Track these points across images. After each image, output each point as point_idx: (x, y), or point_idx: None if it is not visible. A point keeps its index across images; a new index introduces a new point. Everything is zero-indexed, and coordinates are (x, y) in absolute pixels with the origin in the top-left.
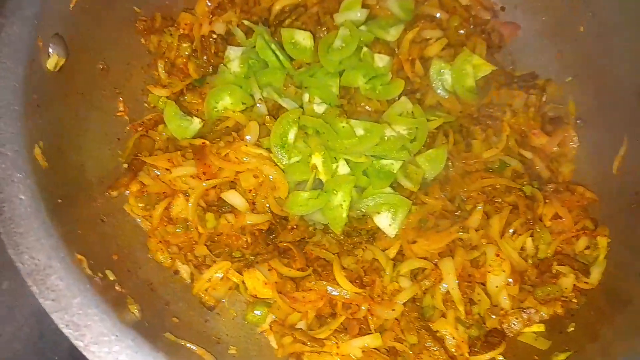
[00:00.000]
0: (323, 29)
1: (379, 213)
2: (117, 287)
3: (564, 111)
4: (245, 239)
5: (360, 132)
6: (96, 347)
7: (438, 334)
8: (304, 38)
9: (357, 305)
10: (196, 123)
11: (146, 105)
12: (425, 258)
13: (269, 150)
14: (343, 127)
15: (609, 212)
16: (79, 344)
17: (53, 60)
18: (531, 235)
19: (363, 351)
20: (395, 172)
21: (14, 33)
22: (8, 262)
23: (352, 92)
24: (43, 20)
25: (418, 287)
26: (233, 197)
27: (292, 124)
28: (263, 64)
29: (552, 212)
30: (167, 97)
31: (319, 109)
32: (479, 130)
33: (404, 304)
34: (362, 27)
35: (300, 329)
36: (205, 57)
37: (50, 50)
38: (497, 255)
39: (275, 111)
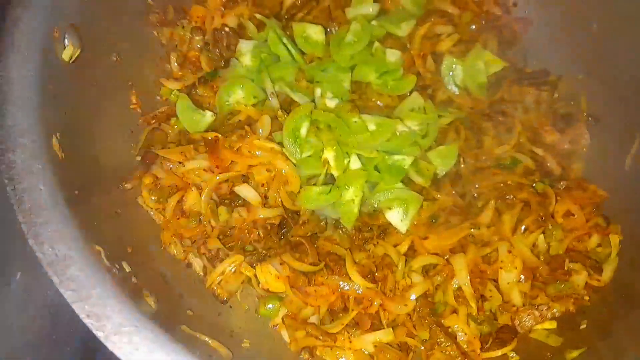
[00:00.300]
0: (334, 23)
1: (390, 208)
2: (133, 279)
3: (575, 108)
4: (257, 233)
5: (372, 127)
6: (117, 338)
7: (450, 330)
8: (315, 32)
9: (369, 300)
10: (208, 116)
11: (158, 98)
12: (436, 254)
13: (281, 144)
14: (355, 122)
15: (620, 210)
16: (99, 334)
17: (68, 51)
18: (543, 232)
19: (375, 346)
20: (406, 167)
21: (31, 23)
22: (20, 253)
23: (363, 87)
24: (59, 11)
25: (430, 283)
26: (246, 191)
27: (304, 119)
28: (275, 58)
29: (564, 209)
30: (179, 90)
31: (331, 103)
32: (491, 126)
33: (416, 300)
34: (374, 22)
35: (313, 323)
36: (217, 51)
37: (66, 41)
38: (509, 252)
39: (287, 105)
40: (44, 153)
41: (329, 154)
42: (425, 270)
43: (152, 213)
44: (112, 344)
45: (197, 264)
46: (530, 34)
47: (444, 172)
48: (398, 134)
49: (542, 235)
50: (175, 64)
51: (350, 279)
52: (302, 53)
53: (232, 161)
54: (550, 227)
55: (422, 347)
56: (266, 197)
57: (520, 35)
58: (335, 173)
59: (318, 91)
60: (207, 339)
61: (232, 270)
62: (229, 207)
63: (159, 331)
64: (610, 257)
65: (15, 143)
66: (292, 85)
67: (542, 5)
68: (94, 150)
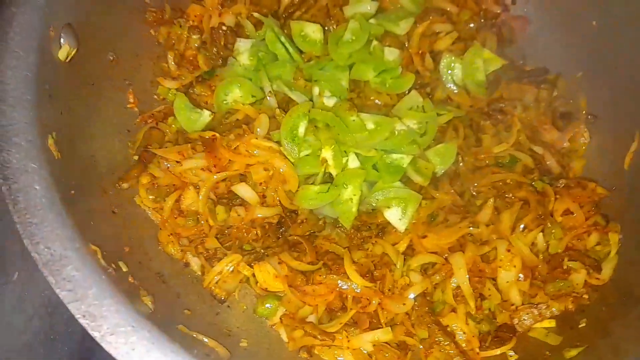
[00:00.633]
0: (332, 21)
1: (389, 207)
2: (130, 279)
3: (574, 106)
4: (255, 232)
5: (370, 125)
6: (113, 338)
7: (448, 329)
8: (313, 31)
9: (367, 299)
10: (206, 115)
11: (156, 97)
12: (435, 253)
13: (279, 143)
14: (353, 120)
15: (620, 208)
16: (95, 334)
17: (64, 50)
18: (542, 231)
19: (374, 345)
20: (405, 166)
21: (26, 22)
22: (18, 253)
23: (361, 85)
24: (55, 10)
25: (428, 282)
26: (243, 190)
27: (302, 117)
28: (273, 57)
29: (563, 208)
30: (176, 89)
31: (329, 102)
32: (490, 125)
33: (415, 299)
34: (372, 20)
35: (311, 322)
36: (214, 49)
37: (62, 40)
38: (508, 251)
39: (285, 104)
40: (40, 153)
41: (327, 153)
42: (424, 269)
43: (149, 212)
44: (108, 344)
45: (195, 263)
46: (529, 32)
47: (442, 171)
48: (396, 132)
49: (541, 234)
50: (173, 63)
51: (348, 278)
52: (300, 52)
53: (229, 160)
54: (550, 225)
55: (421, 346)
56: (264, 196)
57: (519, 33)
58: (333, 172)
59: (316, 90)
60: (204, 338)
61: (230, 269)
62: (226, 207)
63: (156, 331)
64: (609, 255)
65: (10, 142)
66: (290, 84)
67: (540, 3)
68: (91, 149)
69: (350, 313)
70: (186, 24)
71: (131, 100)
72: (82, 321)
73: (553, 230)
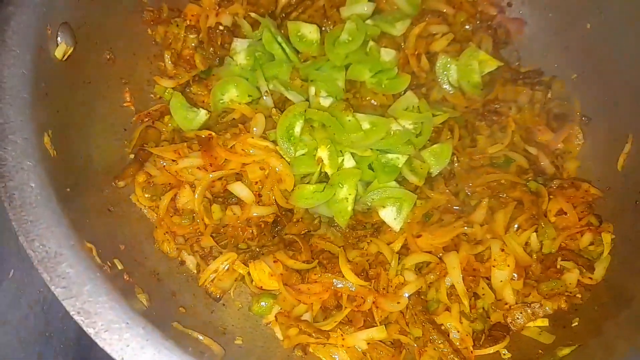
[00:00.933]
0: (329, 22)
1: (384, 207)
2: (125, 277)
3: (569, 108)
4: (251, 231)
5: (366, 126)
6: (107, 334)
7: (442, 328)
8: (310, 31)
9: (362, 297)
10: (202, 115)
11: (152, 96)
12: (429, 252)
13: (275, 142)
14: (349, 120)
15: (613, 209)
16: (90, 331)
17: (61, 49)
18: (536, 231)
19: (368, 343)
20: (400, 166)
21: (23, 21)
22: (15, 251)
23: (358, 86)
24: (52, 9)
25: (423, 281)
26: (239, 189)
27: (298, 117)
28: (269, 57)
29: (556, 208)
30: (173, 88)
31: (325, 102)
32: (484, 125)
33: (409, 297)
34: (369, 21)
35: (306, 320)
36: (211, 49)
37: (59, 39)
38: (502, 250)
39: (281, 104)
40: (36, 151)
41: (322, 153)
42: (419, 268)
43: (145, 211)
44: (103, 340)
45: (191, 261)
46: (524, 34)
47: (438, 171)
48: (392, 132)
49: (534, 234)
50: (169, 62)
51: (343, 276)
52: (297, 52)
53: (225, 159)
54: (543, 225)
55: (415, 345)
56: (260, 195)
57: (515, 35)
58: (329, 171)
59: (312, 90)
60: (199, 335)
61: (226, 268)
62: (222, 205)
63: (150, 328)
64: (602, 255)
65: (5, 140)
66: (287, 84)
67: (536, 6)
68: (87, 147)
69: (345, 311)
70: (183, 24)
71: (128, 99)
72: (76, 318)
73: (547, 230)
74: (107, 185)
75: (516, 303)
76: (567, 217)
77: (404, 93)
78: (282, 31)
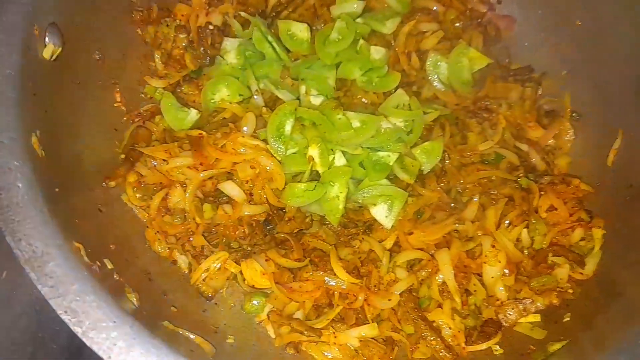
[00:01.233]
0: (320, 21)
1: (375, 205)
2: (115, 276)
3: (559, 104)
4: (242, 230)
5: (356, 124)
6: (94, 333)
7: (434, 324)
8: (300, 30)
9: (354, 295)
10: (193, 114)
11: (143, 96)
12: (421, 249)
13: (265, 141)
14: (339, 119)
15: (604, 204)
16: (77, 329)
17: (49, 49)
18: (526, 227)
19: (360, 341)
20: (391, 164)
21: (10, 21)
22: (6, 252)
23: (348, 84)
24: (39, 9)
25: (414, 278)
26: (230, 188)
27: (288, 116)
28: (260, 56)
29: (547, 204)
30: (163, 88)
31: (316, 100)
32: (475, 123)
33: (401, 295)
34: (359, 20)
35: (298, 318)
36: (202, 49)
37: (47, 39)
38: (493, 247)
39: (272, 103)
40: (23, 151)
41: (313, 151)
42: (410, 265)
43: (136, 210)
44: (90, 339)
45: (182, 261)
46: (514, 31)
47: (429, 168)
48: (382, 130)
49: (525, 230)
50: (160, 62)
51: (335, 274)
52: (287, 51)
53: (216, 158)
54: (534, 221)
55: (407, 342)
56: (251, 194)
57: (505, 33)
58: (320, 170)
59: (303, 88)
60: (189, 334)
61: (217, 267)
62: (213, 204)
63: (137, 327)
64: (593, 251)
65: None
66: (277, 82)
67: (526, 3)
68: (77, 148)
69: (337, 309)
70: (173, 24)
71: (118, 99)
72: (63, 317)
73: (537, 226)
74: (97, 185)
75: (508, 299)
76: (558, 212)
77: (395, 91)
78: (273, 30)
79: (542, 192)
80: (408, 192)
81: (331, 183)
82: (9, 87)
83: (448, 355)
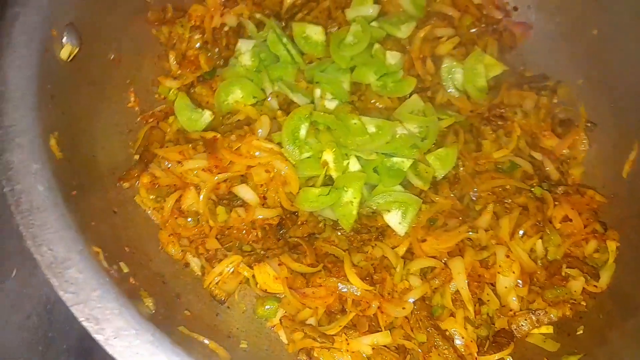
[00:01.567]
0: (334, 23)
1: (389, 211)
2: (131, 280)
3: (574, 113)
4: (255, 233)
5: (371, 129)
6: (116, 342)
7: (447, 333)
8: (315, 33)
9: (367, 302)
10: (207, 116)
11: (156, 96)
12: (434, 257)
13: (280, 145)
14: (355, 124)
15: (618, 216)
16: (99, 337)
17: (66, 49)
18: (541, 237)
19: (373, 348)
20: (405, 170)
21: (29, 22)
22: (17, 251)
23: (362, 88)
24: (57, 9)
25: (428, 286)
26: (244, 192)
27: (304, 120)
28: (274, 58)
29: (561, 215)
30: (177, 89)
31: (331, 104)
32: (490, 130)
33: (414, 303)
34: (374, 23)
35: (311, 324)
36: (216, 50)
37: (64, 39)
38: (507, 257)
39: (286, 105)
40: (42, 153)
41: (328, 156)
42: (423, 273)
43: (149, 212)
44: (112, 347)
45: (195, 264)
46: (530, 38)
47: (442, 175)
48: (397, 136)
49: (540, 240)
50: (174, 62)
51: (348, 281)
52: (302, 53)
53: (230, 161)
54: (548, 232)
55: (419, 350)
56: (265, 198)
57: (520, 40)
58: (334, 175)
59: (317, 92)
60: (205, 340)
61: (230, 270)
62: (227, 207)
63: (159, 334)
64: (607, 263)
65: (12, 143)
66: (292, 85)
67: (542, 10)
68: (92, 149)
69: (350, 316)
70: (188, 24)
71: (132, 99)
72: (85, 324)
73: (552, 237)
74: (111, 186)
75: (521, 310)
76: (572, 223)
77: (409, 96)
78: (287, 32)
79: (557, 202)
80: (421, 198)
81: (345, 188)
82: (29, 90)
83: None
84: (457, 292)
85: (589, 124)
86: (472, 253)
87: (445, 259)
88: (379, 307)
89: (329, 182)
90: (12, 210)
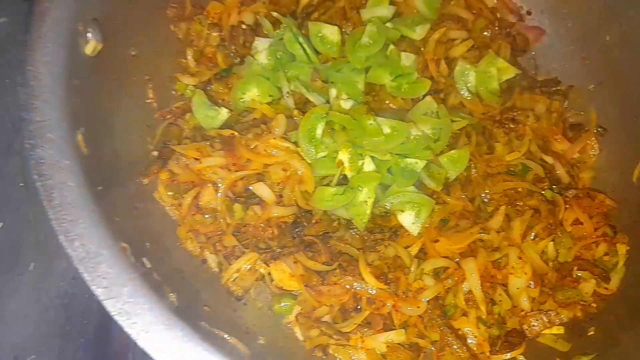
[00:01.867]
0: (349, 24)
1: (402, 211)
2: (154, 275)
3: (584, 118)
4: (271, 231)
5: (386, 130)
6: (147, 336)
7: (460, 332)
8: (331, 32)
9: (381, 301)
10: (224, 113)
11: (174, 93)
12: (446, 257)
13: (296, 144)
14: (370, 124)
15: (628, 221)
16: (130, 332)
17: (91, 45)
18: (552, 240)
19: (387, 346)
20: (419, 171)
21: (58, 17)
22: (34, 244)
23: (376, 89)
24: (84, 4)
25: (441, 286)
26: (261, 189)
27: (320, 119)
28: (290, 57)
29: (572, 218)
30: (194, 86)
31: (346, 105)
32: (502, 133)
33: (427, 302)
34: (388, 24)
35: (326, 322)
36: (233, 47)
37: (89, 34)
38: (520, 258)
39: (301, 104)
40: (71, 149)
41: (343, 156)
42: (436, 273)
43: (167, 208)
44: (143, 341)
45: (212, 260)
46: (542, 42)
47: (454, 177)
48: (411, 137)
49: (551, 243)
50: (192, 59)
51: (363, 279)
52: (317, 53)
53: (247, 159)
54: (560, 234)
55: (433, 348)
56: (281, 196)
57: (533, 44)
58: (349, 174)
59: (333, 92)
60: (226, 335)
61: (248, 267)
62: (244, 205)
63: (188, 329)
64: (617, 266)
65: (44, 139)
66: (308, 85)
67: (555, 15)
68: (114, 144)
69: (365, 314)
70: (206, 21)
71: (151, 95)
72: (117, 318)
73: (563, 240)
74: (131, 182)
75: (532, 310)
76: (583, 227)
77: (423, 98)
78: (303, 31)
79: (567, 206)
80: (434, 199)
81: (360, 188)
82: (58, 85)
83: None
84: (470, 292)
85: (599, 129)
86: (484, 254)
87: (456, 259)
88: (393, 306)
89: (342, 181)
90: (44, 205)
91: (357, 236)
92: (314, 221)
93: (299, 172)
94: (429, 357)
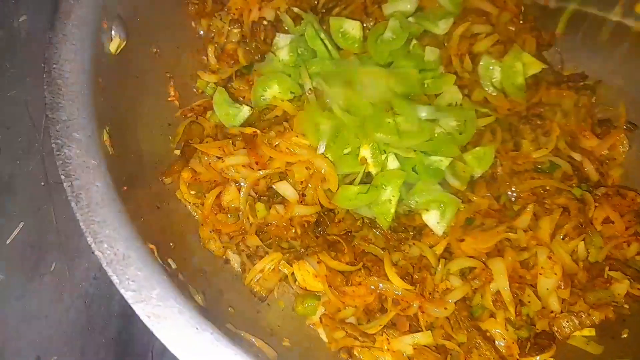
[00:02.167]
0: (370, 19)
1: (427, 210)
2: (179, 276)
3: (613, 113)
4: (294, 231)
5: (412, 127)
6: (179, 340)
7: (487, 334)
8: (353, 28)
9: (407, 302)
10: (245, 111)
11: (195, 90)
12: (472, 257)
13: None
14: (388, 122)
15: None
16: (161, 336)
17: (115, 42)
18: (583, 239)
19: (414, 348)
20: (444, 169)
21: (82, 15)
22: (56, 244)
23: None
24: (108, 2)
25: (469, 287)
26: (284, 188)
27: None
28: (312, 53)
29: (603, 216)
30: (215, 83)
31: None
32: (529, 129)
33: (455, 303)
34: (410, 19)
35: (351, 323)
36: (254, 44)
37: (113, 32)
38: (550, 258)
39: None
40: (98, 148)
41: (365, 151)
42: (462, 273)
43: (189, 208)
44: (174, 347)
45: (235, 260)
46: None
47: (479, 174)
48: (436, 135)
49: (582, 242)
50: (213, 56)
51: (388, 280)
52: (338, 48)
53: (270, 158)
54: (590, 233)
55: (460, 350)
56: (303, 195)
57: (558, 37)
58: (373, 171)
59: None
60: (251, 337)
61: (271, 268)
62: (266, 204)
63: (217, 333)
64: None
65: (71, 138)
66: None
67: None
68: (137, 143)
69: (390, 315)
70: (227, 17)
71: (172, 93)
72: (147, 322)
73: (593, 239)
74: (154, 181)
75: (562, 311)
76: (614, 225)
77: None
78: (324, 27)
79: (597, 204)
80: (459, 198)
81: (384, 186)
82: (84, 83)
83: None
84: (498, 292)
85: (628, 125)
86: (512, 254)
87: (483, 259)
88: (419, 307)
89: (365, 179)
90: (72, 205)
91: (381, 235)
92: (337, 220)
93: (322, 171)
94: (456, 359)
